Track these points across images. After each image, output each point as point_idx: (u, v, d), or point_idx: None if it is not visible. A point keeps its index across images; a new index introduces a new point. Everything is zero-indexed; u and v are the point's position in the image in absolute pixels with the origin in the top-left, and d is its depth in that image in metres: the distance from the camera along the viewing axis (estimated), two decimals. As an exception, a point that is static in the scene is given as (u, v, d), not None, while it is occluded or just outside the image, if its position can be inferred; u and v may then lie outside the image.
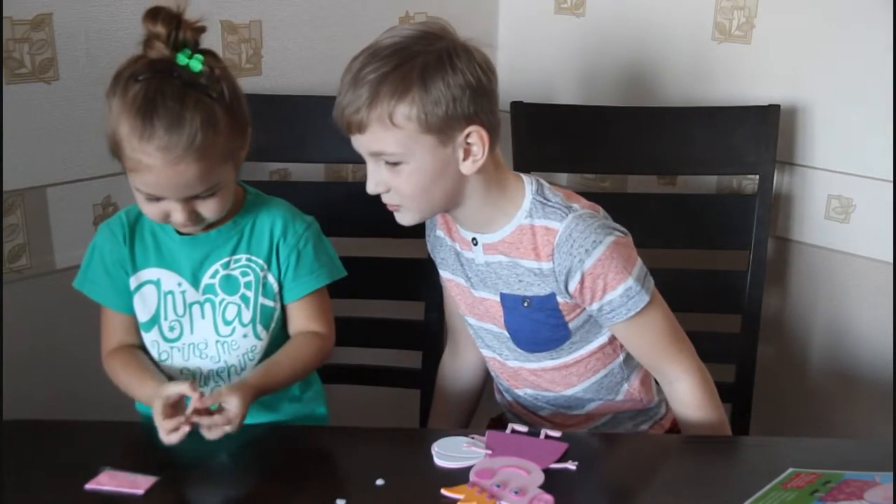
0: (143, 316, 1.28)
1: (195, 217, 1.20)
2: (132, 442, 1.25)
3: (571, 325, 1.32)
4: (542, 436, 1.21)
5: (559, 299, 1.30)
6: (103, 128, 1.18)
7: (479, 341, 1.42)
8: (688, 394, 1.34)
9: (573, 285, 1.27)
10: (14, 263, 1.53)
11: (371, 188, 1.26)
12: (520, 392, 1.41)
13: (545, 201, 1.29)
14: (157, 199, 1.18)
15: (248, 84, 1.63)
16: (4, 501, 1.07)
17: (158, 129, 1.12)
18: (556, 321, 1.31)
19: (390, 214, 1.71)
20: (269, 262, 1.29)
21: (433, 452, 1.16)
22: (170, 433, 1.14)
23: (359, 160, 1.83)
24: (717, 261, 1.74)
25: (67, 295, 1.57)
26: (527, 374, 1.38)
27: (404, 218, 1.29)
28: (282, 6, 1.74)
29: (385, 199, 1.27)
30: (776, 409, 1.85)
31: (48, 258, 1.56)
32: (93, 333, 1.61)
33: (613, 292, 1.27)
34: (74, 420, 1.34)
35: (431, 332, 1.70)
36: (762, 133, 1.69)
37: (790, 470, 1.07)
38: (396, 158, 1.21)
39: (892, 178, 1.66)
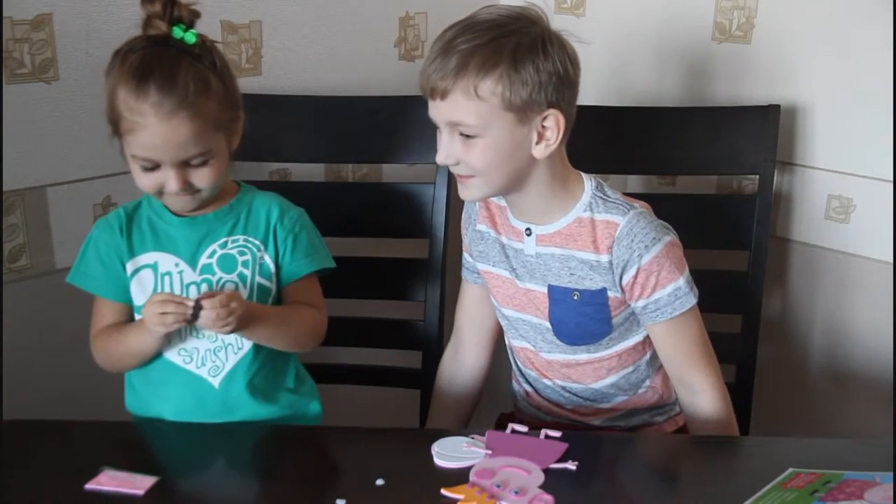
0: (140, 299, 1.30)
1: (189, 187, 1.23)
2: (132, 442, 1.25)
3: (614, 321, 1.34)
4: (541, 436, 1.21)
5: (610, 294, 1.32)
6: (102, 107, 1.22)
7: (513, 332, 1.43)
8: (708, 409, 1.35)
9: (627, 279, 1.29)
10: (14, 263, 1.53)
11: (441, 159, 1.28)
12: (548, 382, 1.42)
13: (606, 197, 1.32)
14: (153, 168, 1.22)
15: (248, 84, 1.63)
16: (4, 501, 1.07)
17: (152, 88, 1.17)
18: (602, 316, 1.33)
19: (390, 214, 1.73)
20: (265, 243, 1.33)
21: (433, 452, 1.16)
22: (166, 315, 1.18)
23: (359, 160, 1.85)
24: (717, 261, 1.74)
25: (67, 295, 1.57)
26: (559, 366, 1.39)
27: (470, 192, 1.30)
28: (282, 6, 1.74)
29: (455, 169, 1.29)
30: (776, 409, 1.85)
31: (48, 258, 1.56)
32: (93, 333, 1.61)
33: (663, 290, 1.29)
34: (74, 420, 1.34)
35: (431, 332, 1.70)
36: (762, 133, 1.69)
37: (790, 470, 1.07)
38: (473, 131, 1.23)
39: (892, 178, 1.66)
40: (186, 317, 1.19)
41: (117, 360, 1.32)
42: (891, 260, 1.68)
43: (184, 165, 1.22)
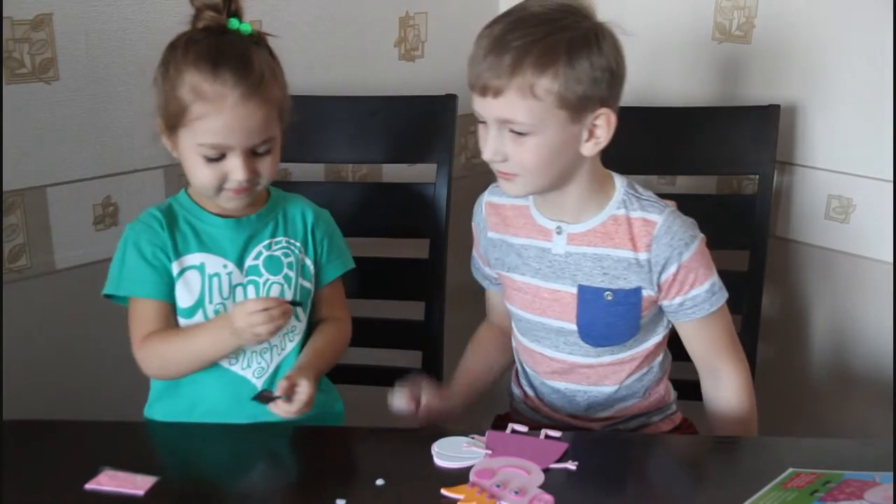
0: (186, 301, 1.27)
1: (254, 176, 1.23)
2: (132, 442, 1.25)
3: (642, 322, 1.34)
4: (542, 436, 1.21)
5: (644, 293, 1.31)
6: (158, 100, 1.22)
7: (527, 336, 1.40)
8: (736, 391, 1.36)
9: (666, 276, 1.30)
10: (14, 263, 1.53)
11: (488, 155, 1.25)
12: (557, 385, 1.39)
13: (639, 195, 1.32)
14: (218, 158, 1.21)
15: (248, 84, 1.62)
16: (4, 501, 1.07)
17: (228, 71, 1.18)
18: (633, 315, 1.33)
19: (390, 214, 1.72)
20: (305, 245, 1.34)
21: (433, 452, 1.16)
22: (271, 322, 1.17)
23: (359, 160, 1.85)
24: (717, 261, 1.73)
25: (67, 295, 1.58)
26: (579, 368, 1.37)
27: (515, 188, 1.28)
28: (282, 6, 1.74)
29: (499, 167, 1.27)
30: (776, 409, 1.85)
31: (48, 258, 1.56)
32: (92, 333, 1.62)
33: (700, 287, 1.31)
34: (74, 420, 1.34)
35: (431, 332, 1.70)
36: (762, 133, 1.69)
37: (790, 470, 1.07)
38: (525, 129, 1.21)
39: (892, 178, 1.66)
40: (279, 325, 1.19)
41: (177, 365, 1.27)
42: (891, 260, 1.68)
43: (250, 154, 1.22)
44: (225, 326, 1.21)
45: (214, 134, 1.19)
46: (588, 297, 1.32)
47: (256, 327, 1.17)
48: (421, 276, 1.69)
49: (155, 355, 1.27)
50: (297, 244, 1.34)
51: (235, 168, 1.21)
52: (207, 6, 1.21)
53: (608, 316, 1.33)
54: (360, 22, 1.86)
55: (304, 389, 1.22)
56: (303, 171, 1.81)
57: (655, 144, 1.74)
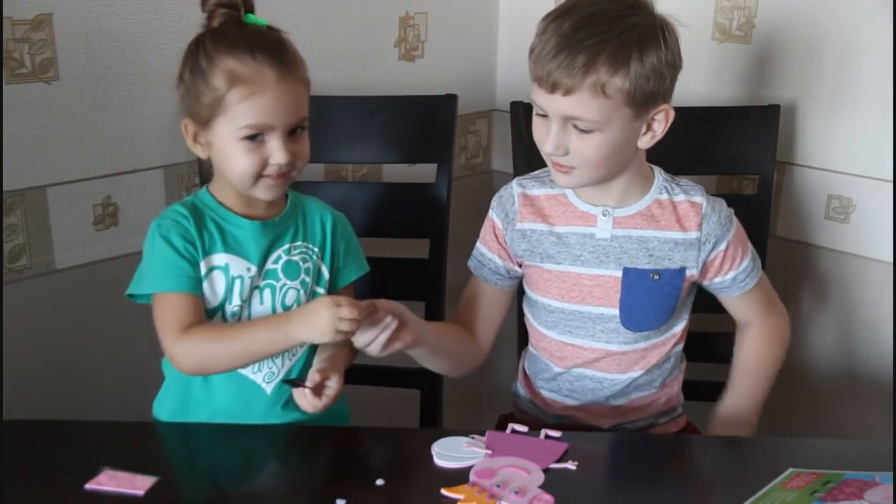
0: (209, 302, 1.26)
1: (293, 159, 1.23)
2: (132, 442, 1.25)
3: (677, 305, 1.36)
4: (542, 436, 1.21)
5: (687, 273, 1.34)
6: (187, 98, 1.22)
7: (557, 328, 1.38)
8: (770, 331, 1.45)
9: (716, 253, 1.35)
10: (14, 263, 1.53)
11: (551, 148, 1.26)
12: (587, 371, 1.38)
13: (677, 181, 1.37)
14: (258, 142, 1.21)
15: (248, 84, 1.62)
16: (4, 501, 1.07)
17: (264, 52, 1.20)
18: (675, 295, 1.35)
19: (390, 214, 1.72)
20: (322, 251, 1.34)
21: (433, 452, 1.16)
22: (352, 321, 1.16)
23: (359, 160, 1.85)
24: (717, 261, 1.74)
25: (67, 295, 1.58)
26: (614, 355, 1.37)
27: (571, 181, 1.30)
28: (282, 6, 1.74)
29: (558, 159, 1.27)
30: (776, 409, 1.85)
31: (48, 258, 1.56)
32: (93, 333, 1.62)
33: (747, 259, 1.38)
34: (74, 420, 1.34)
35: (431, 332, 1.70)
36: (762, 133, 1.69)
37: (790, 470, 1.07)
38: (592, 126, 1.22)
39: (892, 178, 1.66)
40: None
41: (224, 360, 1.23)
42: (891, 260, 1.68)
43: (288, 136, 1.22)
44: (291, 319, 1.19)
45: (255, 114, 1.19)
46: (632, 279, 1.33)
47: (343, 323, 1.15)
48: (421, 276, 1.69)
49: (198, 349, 1.22)
50: (315, 249, 1.33)
51: (276, 150, 1.21)
52: (221, 4, 1.22)
53: (651, 297, 1.34)
54: (360, 22, 1.86)
55: (332, 385, 1.24)
56: (303, 170, 1.81)
57: (656, 144, 1.73)
